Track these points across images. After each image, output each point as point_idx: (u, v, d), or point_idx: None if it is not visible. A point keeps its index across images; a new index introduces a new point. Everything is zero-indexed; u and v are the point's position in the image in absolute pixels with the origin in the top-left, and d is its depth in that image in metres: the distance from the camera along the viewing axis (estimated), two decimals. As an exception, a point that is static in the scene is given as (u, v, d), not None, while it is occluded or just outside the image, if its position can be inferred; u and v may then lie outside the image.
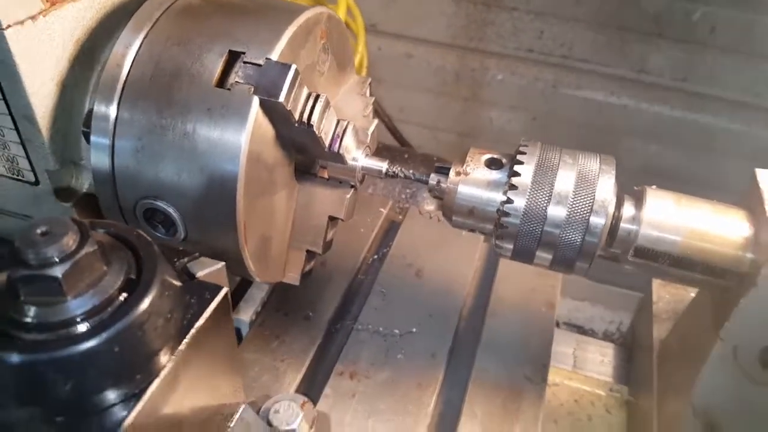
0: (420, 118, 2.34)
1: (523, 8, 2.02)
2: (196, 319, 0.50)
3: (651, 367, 0.94)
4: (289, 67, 0.69)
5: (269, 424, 0.76)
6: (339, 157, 0.79)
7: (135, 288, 0.46)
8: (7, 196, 0.85)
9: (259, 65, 0.70)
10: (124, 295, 0.45)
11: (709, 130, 1.98)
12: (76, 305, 0.43)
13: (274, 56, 0.71)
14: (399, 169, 0.83)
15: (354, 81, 0.95)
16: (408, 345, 0.92)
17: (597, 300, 1.78)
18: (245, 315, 0.96)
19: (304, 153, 0.81)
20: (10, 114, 0.75)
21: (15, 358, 0.42)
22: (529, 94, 2.16)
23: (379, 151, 0.94)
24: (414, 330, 0.94)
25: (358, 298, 1.01)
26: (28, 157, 0.79)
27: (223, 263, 0.59)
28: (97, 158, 0.74)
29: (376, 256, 1.10)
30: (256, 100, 0.69)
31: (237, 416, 0.62)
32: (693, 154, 2.03)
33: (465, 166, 0.76)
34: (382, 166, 0.83)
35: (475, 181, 0.75)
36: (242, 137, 0.69)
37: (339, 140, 0.78)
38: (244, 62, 0.70)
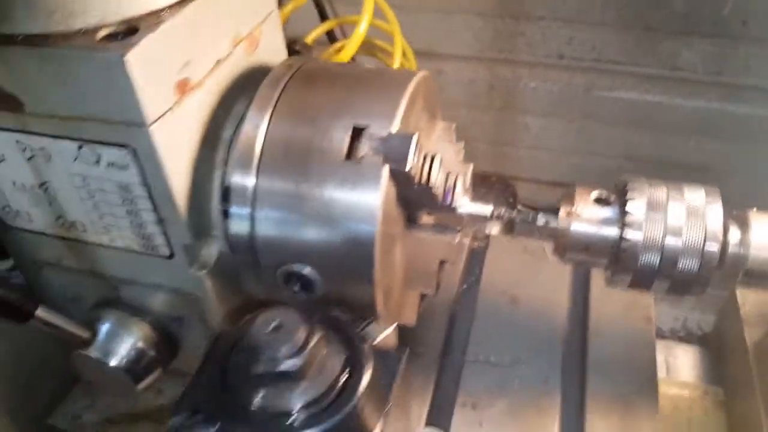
0: (456, 131, 2.39)
1: (551, 17, 2.06)
2: (392, 383, 0.56)
3: (749, 370, 0.99)
4: (411, 137, 0.75)
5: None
6: (452, 209, 0.85)
7: (351, 366, 0.52)
8: (139, 270, 0.91)
9: (382, 137, 0.76)
10: (345, 375, 0.51)
11: (747, 120, 2.01)
12: (309, 390, 0.49)
13: (394, 128, 0.77)
14: (504, 210, 0.89)
15: (441, 128, 1.01)
16: (520, 372, 0.97)
17: (658, 298, 1.82)
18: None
19: (418, 207, 0.87)
20: (151, 197, 0.82)
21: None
22: (563, 99, 2.20)
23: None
24: (522, 357, 1.00)
25: (462, 329, 1.07)
26: (165, 234, 0.85)
27: (395, 324, 0.65)
28: (238, 229, 0.81)
29: (465, 286, 1.15)
30: (385, 169, 0.75)
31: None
32: (733, 145, 2.06)
33: (574, 206, 0.82)
34: (487, 210, 0.89)
35: (588, 220, 0.81)
36: (377, 203, 0.74)
37: (451, 193, 0.84)
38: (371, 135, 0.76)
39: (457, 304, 1.11)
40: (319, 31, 1.50)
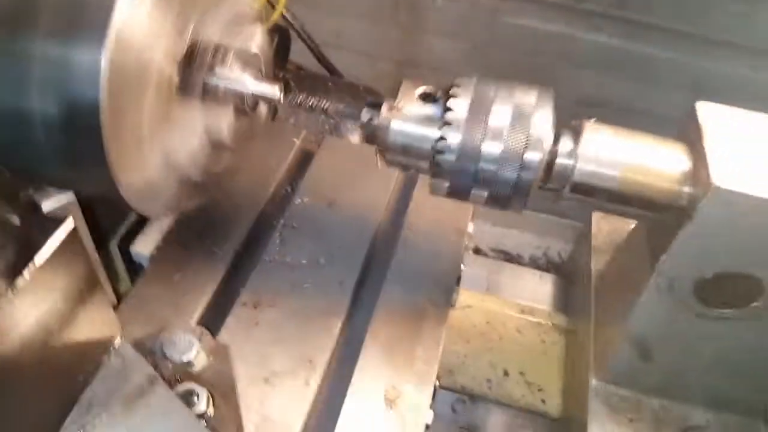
0: (357, 45, 2.25)
1: (461, -73, 1.93)
2: (33, 256, 0.47)
3: (589, 297, 0.96)
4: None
5: (164, 356, 0.75)
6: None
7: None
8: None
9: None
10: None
11: (647, 60, 1.97)
12: None
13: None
14: (303, 97, 0.78)
15: None
16: (316, 275, 0.91)
17: (527, 228, 1.80)
18: (145, 248, 0.93)
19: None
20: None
21: None
22: (468, 22, 2.10)
23: (301, 80, 0.89)
24: (322, 261, 0.93)
25: (266, 231, 0.98)
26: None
27: (71, 193, 0.55)
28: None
29: (288, 189, 1.07)
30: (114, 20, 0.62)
31: (112, 349, 0.60)
32: (632, 84, 2.02)
33: (397, 101, 0.72)
34: (274, 90, 0.77)
35: (408, 117, 0.71)
36: (101, 65, 0.60)
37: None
38: None
39: (270, 204, 1.02)
40: None
